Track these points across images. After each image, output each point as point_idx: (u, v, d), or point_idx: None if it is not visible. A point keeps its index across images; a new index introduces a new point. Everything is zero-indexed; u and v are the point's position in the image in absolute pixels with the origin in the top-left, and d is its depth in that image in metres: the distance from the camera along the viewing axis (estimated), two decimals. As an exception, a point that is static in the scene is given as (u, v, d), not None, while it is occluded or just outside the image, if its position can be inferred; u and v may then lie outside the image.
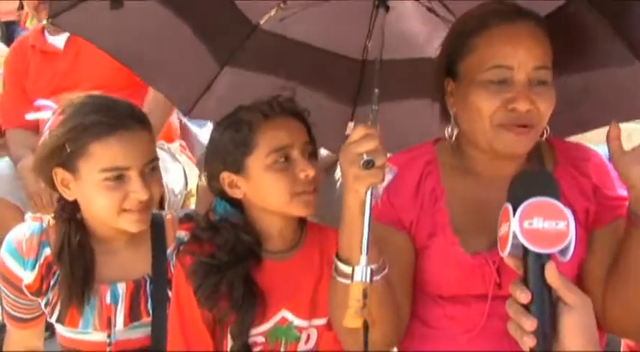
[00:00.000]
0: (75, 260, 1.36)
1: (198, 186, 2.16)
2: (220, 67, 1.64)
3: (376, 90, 1.18)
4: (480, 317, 1.23)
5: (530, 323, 0.94)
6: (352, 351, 1.23)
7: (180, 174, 2.33)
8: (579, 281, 1.27)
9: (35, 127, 2.34)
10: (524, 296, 0.94)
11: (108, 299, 1.38)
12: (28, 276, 1.38)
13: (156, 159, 1.38)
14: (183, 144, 2.50)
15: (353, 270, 1.08)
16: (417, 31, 1.56)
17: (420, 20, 1.52)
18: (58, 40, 2.36)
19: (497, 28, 1.21)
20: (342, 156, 1.09)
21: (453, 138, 1.31)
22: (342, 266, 1.16)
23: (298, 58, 1.66)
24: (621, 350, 1.56)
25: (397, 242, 1.29)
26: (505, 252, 0.98)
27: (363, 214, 1.09)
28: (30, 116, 2.23)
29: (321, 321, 1.39)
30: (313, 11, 1.51)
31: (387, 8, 1.26)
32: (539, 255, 0.95)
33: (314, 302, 1.38)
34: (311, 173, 1.33)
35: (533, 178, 1.02)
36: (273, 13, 1.56)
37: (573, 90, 1.37)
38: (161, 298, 1.39)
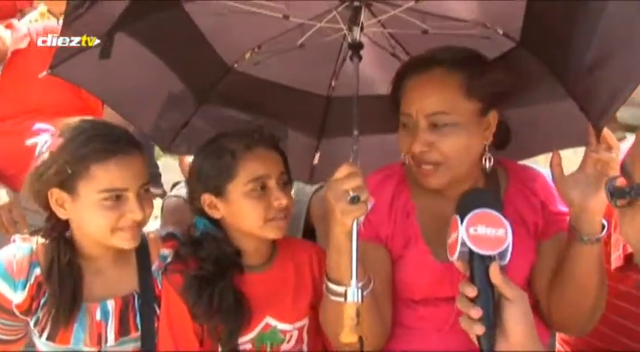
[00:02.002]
0: (63, 279, 1.41)
1: (162, 207, 2.22)
2: (198, 105, 1.76)
3: (355, 133, 1.31)
4: (448, 317, 1.41)
5: (475, 312, 1.08)
6: None
7: None
8: (529, 283, 1.48)
9: None
10: (470, 290, 1.09)
11: (98, 316, 1.44)
12: (18, 297, 1.41)
13: (149, 182, 1.46)
14: None
15: (346, 293, 1.21)
16: (382, 71, 1.73)
17: (383, 62, 1.69)
18: None
19: (410, 78, 1.42)
20: (329, 192, 1.22)
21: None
22: (332, 286, 1.30)
23: (268, 95, 1.79)
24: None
25: (377, 255, 1.44)
26: (454, 256, 1.12)
27: (350, 241, 1.22)
28: (30, 141, 2.18)
29: (301, 323, 1.53)
30: (284, 54, 1.65)
31: (360, 58, 1.41)
32: (482, 258, 1.10)
33: (294, 307, 1.52)
34: (284, 202, 1.46)
35: (476, 195, 1.18)
36: (247, 56, 1.69)
37: (519, 122, 1.57)
38: (149, 313, 1.47)
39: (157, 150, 4.20)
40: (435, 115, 1.37)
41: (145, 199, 1.43)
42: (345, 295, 1.22)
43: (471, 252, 1.11)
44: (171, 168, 3.41)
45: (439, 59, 1.41)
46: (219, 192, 1.48)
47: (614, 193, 0.98)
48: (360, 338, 1.20)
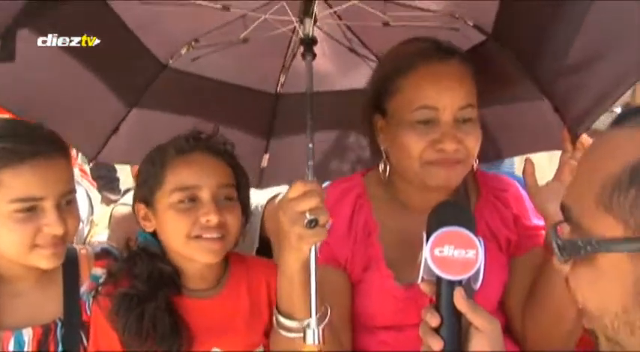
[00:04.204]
0: None
1: (111, 216, 1.99)
2: (128, 109, 1.54)
3: (310, 146, 1.15)
4: (415, 342, 1.25)
5: (436, 343, 0.95)
6: None
7: (84, 198, 2.16)
8: (502, 304, 1.35)
9: None
10: (434, 319, 0.96)
11: (11, 348, 1.23)
12: None
13: (73, 190, 1.27)
14: (84, 168, 2.33)
15: (305, 333, 1.09)
16: (337, 66, 1.55)
17: (337, 56, 1.51)
18: None
19: (423, 69, 1.24)
20: (283, 214, 1.06)
21: (385, 172, 1.33)
22: (283, 320, 1.15)
23: (209, 94, 1.60)
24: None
25: (335, 280, 1.29)
26: (419, 278, 0.99)
27: (305, 269, 1.08)
28: None
29: (258, 350, 1.34)
30: (226, 50, 1.46)
31: (314, 55, 1.23)
32: (450, 282, 0.97)
33: (247, 335, 1.33)
34: (214, 219, 1.24)
35: (448, 210, 1.04)
36: (183, 51, 1.47)
37: (485, 122, 1.42)
38: (74, 344, 1.27)
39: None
40: (465, 109, 1.23)
41: (67, 211, 1.23)
42: (304, 335, 1.09)
43: (438, 276, 0.98)
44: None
45: (450, 49, 1.26)
46: (148, 201, 1.31)
47: (566, 249, 0.78)
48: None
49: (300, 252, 1.07)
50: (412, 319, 1.26)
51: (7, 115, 1.32)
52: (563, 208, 0.80)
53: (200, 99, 1.60)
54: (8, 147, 1.17)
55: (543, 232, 1.31)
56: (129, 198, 2.04)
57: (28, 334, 1.25)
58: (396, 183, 1.34)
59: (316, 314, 1.09)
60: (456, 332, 0.97)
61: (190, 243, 1.25)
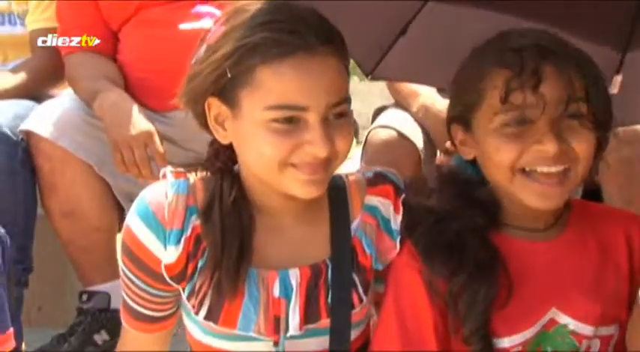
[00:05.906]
0: (228, 223, 1.03)
1: (367, 139, 1.72)
2: (422, 3, 1.22)
3: None
4: None
5: None
6: None
7: None
8: None
9: (111, 53, 1.83)
10: None
11: (277, 292, 1.05)
12: (170, 254, 1.04)
13: (346, 100, 1.01)
14: None
15: None
16: None
17: None
18: None
19: None
20: None
21: None
22: None
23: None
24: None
25: None
26: None
27: None
28: (185, 26, 1.63)
29: (608, 331, 1.06)
30: None
31: None
32: None
33: (597, 301, 1.05)
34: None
35: None
36: None
37: None
38: (345, 290, 1.06)
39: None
40: None
41: (336, 127, 0.99)
42: None
43: None
44: (361, 93, 2.87)
45: None
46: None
47: None
48: None
49: None
50: None
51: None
52: None
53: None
54: (269, 36, 0.93)
55: None
56: (385, 118, 1.75)
57: (295, 275, 1.06)
58: None
59: None
60: None
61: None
